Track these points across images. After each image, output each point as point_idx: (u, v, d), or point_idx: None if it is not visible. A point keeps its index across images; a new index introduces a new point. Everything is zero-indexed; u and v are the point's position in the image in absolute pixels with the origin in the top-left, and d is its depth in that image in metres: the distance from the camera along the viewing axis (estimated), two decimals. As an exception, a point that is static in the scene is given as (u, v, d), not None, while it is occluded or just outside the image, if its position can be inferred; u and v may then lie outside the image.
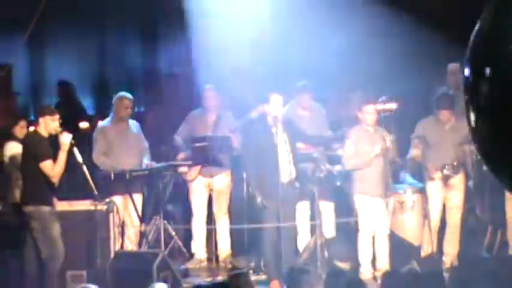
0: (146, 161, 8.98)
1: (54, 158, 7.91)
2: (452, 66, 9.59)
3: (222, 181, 9.29)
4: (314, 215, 8.99)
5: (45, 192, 7.97)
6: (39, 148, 7.94)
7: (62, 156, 7.90)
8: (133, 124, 9.15)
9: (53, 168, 7.87)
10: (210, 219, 9.35)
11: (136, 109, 10.30)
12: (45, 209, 7.92)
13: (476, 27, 4.21)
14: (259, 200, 8.31)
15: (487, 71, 4.12)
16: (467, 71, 4.30)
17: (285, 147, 8.49)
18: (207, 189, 9.31)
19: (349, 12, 10.05)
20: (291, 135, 8.60)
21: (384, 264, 8.55)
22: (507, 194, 8.42)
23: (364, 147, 8.53)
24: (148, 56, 12.06)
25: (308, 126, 9.10)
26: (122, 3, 11.54)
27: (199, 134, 9.17)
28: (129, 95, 9.14)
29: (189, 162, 9.15)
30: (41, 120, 8.02)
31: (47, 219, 7.91)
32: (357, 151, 8.56)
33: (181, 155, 9.28)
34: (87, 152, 8.88)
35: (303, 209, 9.10)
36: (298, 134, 8.73)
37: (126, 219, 8.92)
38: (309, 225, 9.12)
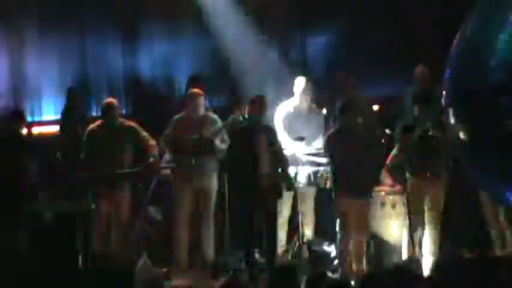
0: (151, 158, 9.05)
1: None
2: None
3: (206, 183, 9.28)
4: (297, 216, 9.06)
5: None
6: None
7: None
8: (124, 128, 9.18)
9: None
10: (193, 221, 9.33)
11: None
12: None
13: (457, 36, 4.27)
14: None
15: (466, 79, 4.19)
16: (447, 78, 4.37)
17: (266, 150, 8.59)
18: (191, 192, 9.30)
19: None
20: (274, 137, 8.72)
21: (363, 265, 8.59)
22: (486, 195, 8.50)
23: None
24: (129, 58, 12.04)
25: (305, 125, 9.17)
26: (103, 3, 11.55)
27: (185, 137, 9.15)
28: (115, 103, 9.28)
29: (173, 165, 9.18)
30: None
31: None
32: None
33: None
34: (74, 153, 8.93)
35: (286, 210, 9.16)
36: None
37: (110, 221, 8.95)
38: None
